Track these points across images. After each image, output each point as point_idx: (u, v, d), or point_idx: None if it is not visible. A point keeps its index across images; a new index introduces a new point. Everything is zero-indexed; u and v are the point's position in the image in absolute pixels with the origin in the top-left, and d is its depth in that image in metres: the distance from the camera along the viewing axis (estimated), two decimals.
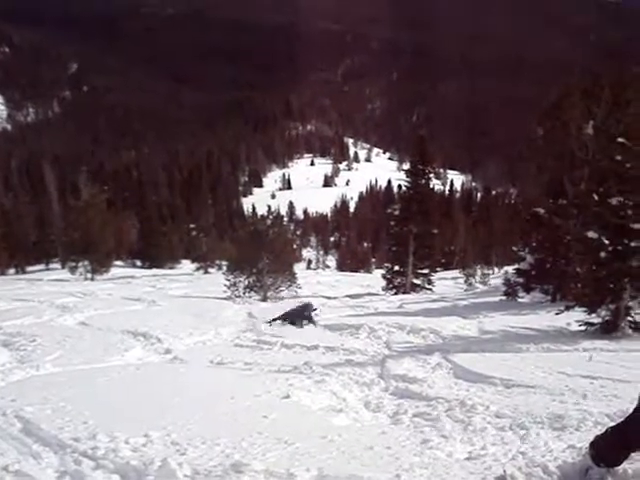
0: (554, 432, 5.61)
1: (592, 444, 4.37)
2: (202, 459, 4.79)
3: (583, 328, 11.89)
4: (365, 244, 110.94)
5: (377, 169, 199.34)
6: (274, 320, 14.87)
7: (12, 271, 49.06)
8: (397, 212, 33.30)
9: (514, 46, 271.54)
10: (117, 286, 30.28)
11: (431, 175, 33.67)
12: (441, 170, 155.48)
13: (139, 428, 5.48)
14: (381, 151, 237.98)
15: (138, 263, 57.39)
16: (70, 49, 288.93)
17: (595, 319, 11.99)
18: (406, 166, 37.41)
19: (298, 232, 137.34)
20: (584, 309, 12.39)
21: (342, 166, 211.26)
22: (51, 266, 52.68)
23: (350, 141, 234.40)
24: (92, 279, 38.13)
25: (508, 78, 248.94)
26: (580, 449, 4.84)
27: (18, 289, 26.98)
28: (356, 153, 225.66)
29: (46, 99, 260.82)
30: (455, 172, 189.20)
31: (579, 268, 16.73)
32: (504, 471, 4.45)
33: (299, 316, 14.83)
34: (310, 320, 14.79)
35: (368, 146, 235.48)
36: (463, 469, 4.66)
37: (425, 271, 32.88)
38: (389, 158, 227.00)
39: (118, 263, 49.43)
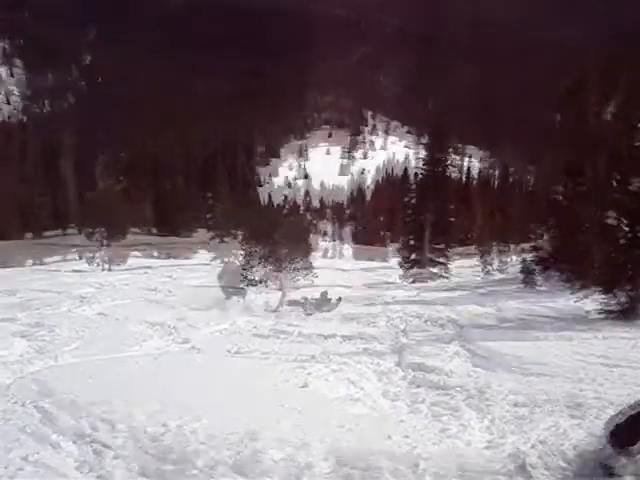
0: (573, 420, 5.57)
1: (612, 432, 4.33)
2: (219, 447, 4.79)
3: (602, 314, 11.80)
4: (381, 233, 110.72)
5: (393, 157, 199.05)
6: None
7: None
8: (413, 200, 33.23)
9: (528, 30, 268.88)
10: (134, 276, 30.38)
11: (448, 163, 33.53)
12: (458, 157, 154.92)
13: (157, 418, 5.50)
14: (397, 139, 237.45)
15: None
16: (84, 40, 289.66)
17: (614, 305, 11.89)
18: (422, 154, 37.23)
19: (314, 221, 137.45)
20: (603, 295, 12.29)
21: (358, 154, 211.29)
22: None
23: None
24: (109, 270, 38.36)
25: (523, 62, 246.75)
26: (600, 437, 4.80)
27: (37, 280, 27.16)
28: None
29: (60, 91, 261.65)
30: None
31: (598, 254, 16.60)
32: (524, 459, 4.42)
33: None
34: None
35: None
36: (482, 457, 4.63)
37: (441, 260, 32.79)
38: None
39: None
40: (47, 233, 51.50)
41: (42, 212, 53.25)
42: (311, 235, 35.30)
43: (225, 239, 50.86)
